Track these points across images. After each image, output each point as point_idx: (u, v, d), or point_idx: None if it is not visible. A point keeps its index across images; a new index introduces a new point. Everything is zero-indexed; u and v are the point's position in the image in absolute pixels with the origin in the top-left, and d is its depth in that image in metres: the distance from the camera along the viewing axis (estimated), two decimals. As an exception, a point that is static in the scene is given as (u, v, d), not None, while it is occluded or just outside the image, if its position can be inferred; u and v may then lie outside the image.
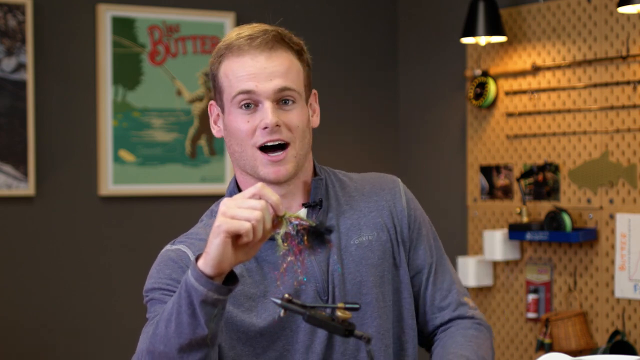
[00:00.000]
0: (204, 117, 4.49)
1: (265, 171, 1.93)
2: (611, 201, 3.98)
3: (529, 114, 4.28)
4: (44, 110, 4.23)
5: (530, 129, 4.28)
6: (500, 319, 4.43)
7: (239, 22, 4.39)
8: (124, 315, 4.33)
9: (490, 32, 4.24)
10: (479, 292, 4.51)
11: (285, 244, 1.76)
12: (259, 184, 1.71)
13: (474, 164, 4.53)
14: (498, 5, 4.29)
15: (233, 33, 1.96)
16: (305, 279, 1.92)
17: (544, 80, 4.23)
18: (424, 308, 2.06)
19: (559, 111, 4.17)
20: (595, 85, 4.04)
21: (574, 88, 4.12)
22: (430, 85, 4.81)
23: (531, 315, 4.22)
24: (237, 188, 2.00)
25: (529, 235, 4.14)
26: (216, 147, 4.55)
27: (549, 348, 4.07)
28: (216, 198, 2.07)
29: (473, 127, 4.53)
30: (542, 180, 4.22)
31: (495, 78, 4.40)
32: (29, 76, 4.18)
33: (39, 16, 4.23)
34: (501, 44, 4.39)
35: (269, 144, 1.91)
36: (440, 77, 4.74)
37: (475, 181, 4.53)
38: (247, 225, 1.65)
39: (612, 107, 3.98)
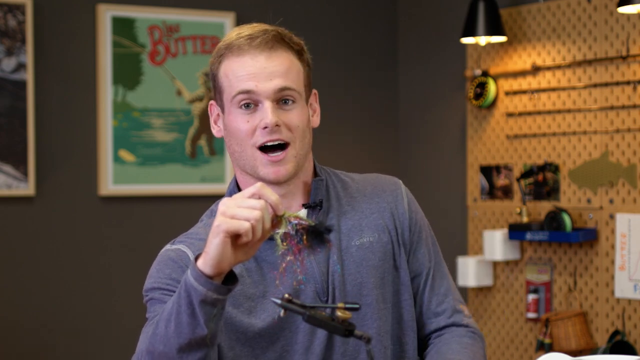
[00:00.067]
0: (204, 117, 4.49)
1: (265, 171, 1.93)
2: (611, 201, 3.97)
3: (529, 114, 4.28)
4: (44, 110, 4.23)
5: (530, 129, 4.28)
6: (500, 319, 4.43)
7: (239, 22, 4.38)
8: (124, 315, 4.33)
9: (490, 32, 4.24)
10: (479, 292, 4.51)
11: (285, 244, 1.76)
12: (259, 184, 1.71)
13: (474, 164, 4.53)
14: (498, 5, 4.29)
15: (233, 33, 1.96)
16: (304, 279, 1.92)
17: (544, 80, 4.23)
18: (420, 312, 2.06)
19: (559, 111, 4.17)
20: (595, 85, 4.04)
21: (574, 88, 4.12)
22: (430, 85, 4.81)
23: (531, 315, 4.22)
24: (237, 188, 2.00)
25: (529, 235, 4.14)
26: (216, 147, 4.55)
27: (549, 348, 4.06)
28: (216, 198, 2.07)
29: (473, 127, 4.52)
30: (542, 180, 4.22)
31: (495, 78, 4.40)
32: (29, 76, 4.17)
33: (39, 16, 4.23)
34: (501, 44, 4.39)
35: (268, 143, 1.91)
36: (440, 77, 4.73)
37: (475, 181, 4.53)
38: (246, 225, 1.65)
39: (612, 107, 3.97)
